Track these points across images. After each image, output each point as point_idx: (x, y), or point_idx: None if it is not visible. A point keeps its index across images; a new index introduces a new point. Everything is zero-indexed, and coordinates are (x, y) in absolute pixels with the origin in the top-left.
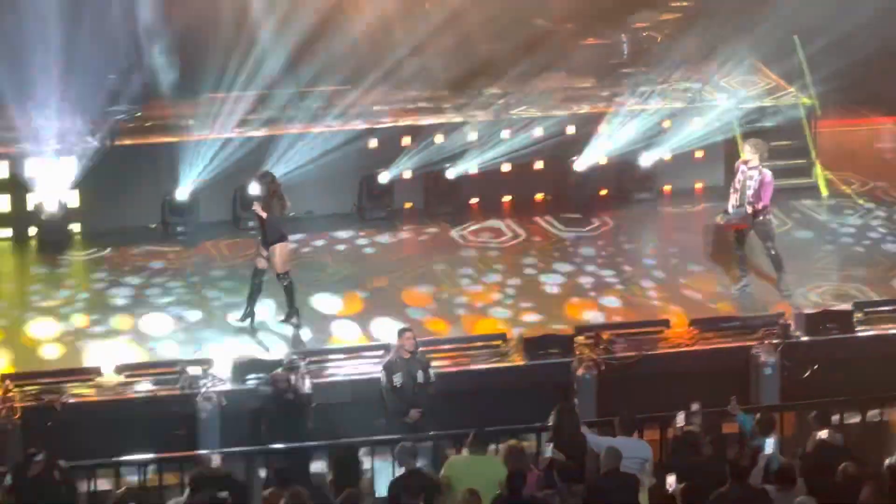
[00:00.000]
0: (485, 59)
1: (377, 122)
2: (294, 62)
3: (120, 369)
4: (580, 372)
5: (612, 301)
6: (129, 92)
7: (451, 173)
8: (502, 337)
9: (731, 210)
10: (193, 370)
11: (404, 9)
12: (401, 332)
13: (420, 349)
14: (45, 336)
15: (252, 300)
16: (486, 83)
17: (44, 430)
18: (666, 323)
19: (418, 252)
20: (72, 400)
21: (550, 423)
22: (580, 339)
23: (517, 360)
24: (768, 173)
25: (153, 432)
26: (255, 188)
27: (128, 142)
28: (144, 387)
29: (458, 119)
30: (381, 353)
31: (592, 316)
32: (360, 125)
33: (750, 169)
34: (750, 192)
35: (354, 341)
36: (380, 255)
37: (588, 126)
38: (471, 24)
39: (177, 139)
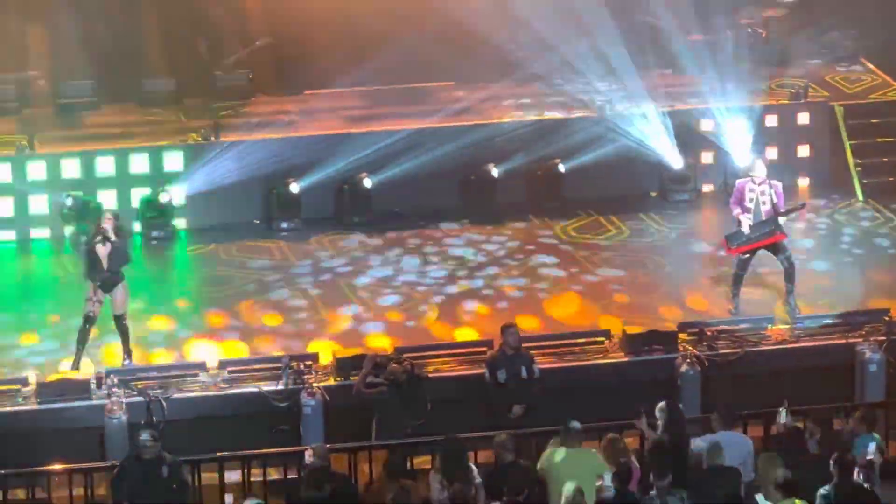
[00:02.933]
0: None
1: (483, 117)
2: (399, 58)
3: (223, 364)
4: (683, 368)
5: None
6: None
7: (561, 168)
8: (606, 333)
9: (746, 231)
10: (297, 365)
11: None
12: (505, 329)
13: (523, 345)
14: (152, 331)
15: (81, 347)
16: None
17: (151, 425)
18: (770, 320)
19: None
20: (176, 395)
21: (656, 422)
22: (683, 335)
23: (620, 357)
24: (778, 182)
25: (256, 428)
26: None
27: (232, 137)
28: (248, 382)
29: (562, 116)
30: (484, 349)
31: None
32: (467, 121)
33: (760, 185)
34: (767, 207)
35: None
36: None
37: (692, 122)
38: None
39: (281, 135)
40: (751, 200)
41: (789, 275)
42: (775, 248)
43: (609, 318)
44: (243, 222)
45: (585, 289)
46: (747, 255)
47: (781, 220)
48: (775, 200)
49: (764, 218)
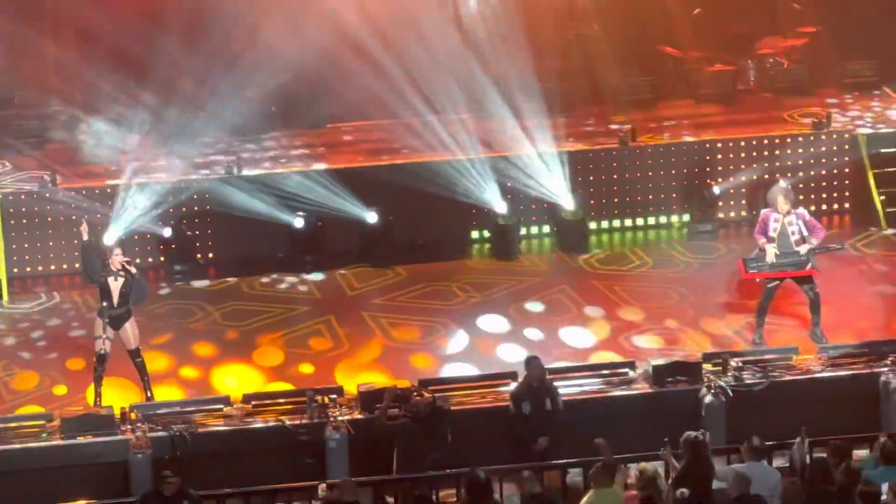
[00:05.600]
0: (611, 86)
1: (492, 151)
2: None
3: (248, 398)
4: (708, 399)
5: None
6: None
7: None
8: (630, 365)
9: (770, 260)
10: (321, 399)
11: (529, 37)
12: (528, 360)
13: (548, 377)
14: (173, 366)
15: (99, 388)
16: (612, 111)
17: (173, 460)
18: (794, 350)
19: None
20: (200, 430)
21: (679, 453)
22: (708, 366)
23: (645, 388)
24: (805, 212)
25: (281, 462)
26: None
27: (254, 171)
28: (272, 416)
29: (580, 147)
30: (508, 381)
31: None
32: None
33: (785, 216)
34: (797, 237)
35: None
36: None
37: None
38: (597, 51)
39: (302, 169)
40: (774, 230)
41: (815, 306)
42: (801, 279)
43: (634, 349)
44: (267, 255)
45: (610, 320)
46: (774, 285)
47: (808, 252)
48: (804, 232)
49: (795, 248)
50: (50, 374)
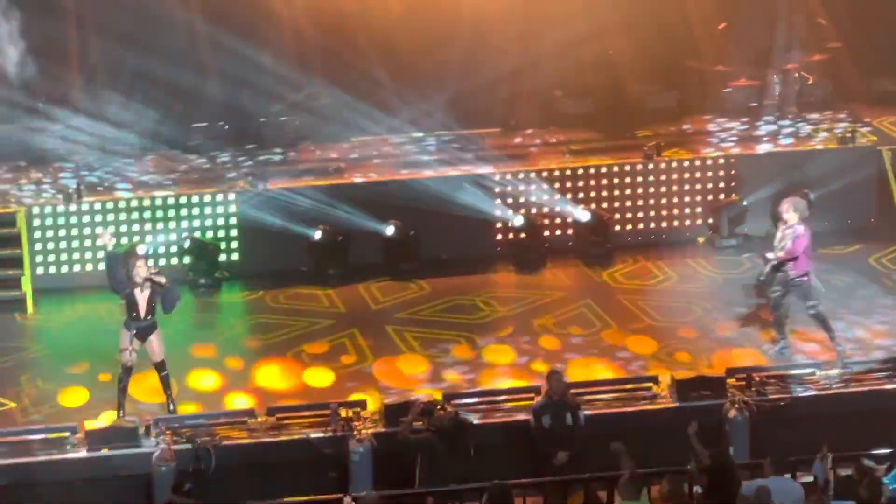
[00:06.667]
0: (636, 100)
1: (526, 165)
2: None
3: (272, 412)
4: (732, 414)
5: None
6: (280, 135)
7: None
8: (654, 379)
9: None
10: (345, 412)
11: (553, 50)
12: (550, 375)
13: (570, 391)
14: (201, 378)
15: (123, 400)
16: (637, 125)
17: (198, 473)
18: (818, 365)
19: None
20: (224, 442)
21: (705, 467)
22: (732, 381)
23: (669, 403)
24: (801, 228)
25: (305, 475)
26: (140, 268)
27: (280, 185)
28: (296, 429)
29: (608, 161)
30: (532, 395)
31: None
32: (510, 167)
33: (787, 228)
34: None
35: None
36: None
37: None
38: (622, 65)
39: (328, 182)
40: (778, 241)
41: (819, 323)
42: (802, 297)
43: (658, 364)
44: (291, 269)
45: (636, 334)
46: (776, 296)
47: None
48: (784, 245)
49: None
50: (72, 386)
